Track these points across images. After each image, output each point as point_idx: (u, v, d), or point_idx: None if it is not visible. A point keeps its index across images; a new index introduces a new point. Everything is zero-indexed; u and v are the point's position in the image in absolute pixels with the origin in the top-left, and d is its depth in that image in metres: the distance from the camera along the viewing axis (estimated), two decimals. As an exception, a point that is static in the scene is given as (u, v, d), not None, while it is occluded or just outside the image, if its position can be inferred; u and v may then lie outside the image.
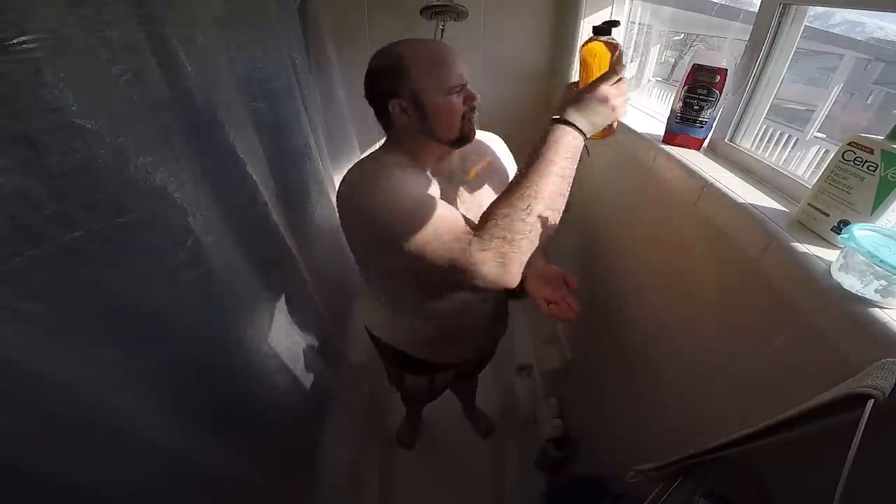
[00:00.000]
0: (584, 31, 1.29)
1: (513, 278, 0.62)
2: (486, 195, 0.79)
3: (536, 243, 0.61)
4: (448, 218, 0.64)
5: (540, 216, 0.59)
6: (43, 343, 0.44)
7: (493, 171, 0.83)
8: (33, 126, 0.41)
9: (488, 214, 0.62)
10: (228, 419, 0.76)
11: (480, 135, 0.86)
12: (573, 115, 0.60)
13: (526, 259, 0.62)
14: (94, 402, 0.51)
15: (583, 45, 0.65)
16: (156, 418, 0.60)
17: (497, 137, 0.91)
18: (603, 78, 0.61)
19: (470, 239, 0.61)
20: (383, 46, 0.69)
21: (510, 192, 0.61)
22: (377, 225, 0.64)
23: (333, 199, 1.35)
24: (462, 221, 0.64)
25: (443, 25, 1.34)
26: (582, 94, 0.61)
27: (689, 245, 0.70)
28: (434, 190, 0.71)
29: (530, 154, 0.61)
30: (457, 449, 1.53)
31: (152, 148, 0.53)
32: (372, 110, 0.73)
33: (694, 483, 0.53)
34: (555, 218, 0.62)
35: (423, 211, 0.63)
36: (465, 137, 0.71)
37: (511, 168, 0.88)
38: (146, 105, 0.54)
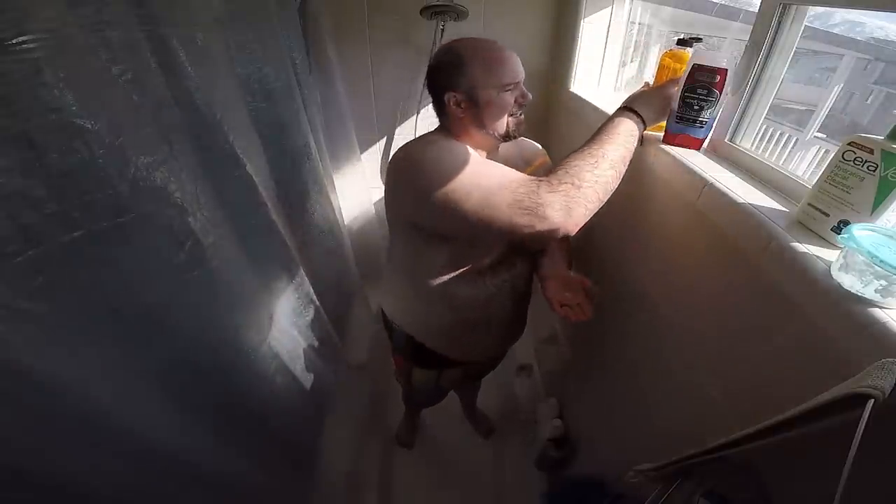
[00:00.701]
0: (584, 31, 1.29)
1: (575, 225, 0.64)
2: None
3: (601, 198, 0.65)
4: (512, 171, 0.69)
5: (605, 172, 0.65)
6: (43, 343, 0.44)
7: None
8: (33, 126, 0.41)
9: (557, 166, 0.66)
10: (228, 419, 0.76)
11: (526, 142, 0.91)
12: (638, 105, 0.72)
13: (591, 209, 0.65)
14: (94, 401, 0.50)
15: (667, 51, 0.80)
16: (155, 418, 0.60)
17: (541, 148, 0.94)
18: (672, 82, 0.74)
19: (539, 182, 0.64)
20: (445, 43, 0.75)
21: (579, 151, 0.67)
22: (445, 177, 0.65)
23: (333, 199, 1.35)
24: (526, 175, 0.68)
25: (443, 25, 1.34)
26: (652, 91, 0.74)
27: (688, 245, 0.70)
28: None
29: (598, 130, 0.70)
30: (457, 449, 1.53)
31: (152, 148, 0.53)
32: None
33: (694, 483, 0.54)
34: (616, 179, 0.67)
35: (489, 164, 0.70)
36: (509, 133, 0.77)
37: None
38: (146, 105, 0.54)
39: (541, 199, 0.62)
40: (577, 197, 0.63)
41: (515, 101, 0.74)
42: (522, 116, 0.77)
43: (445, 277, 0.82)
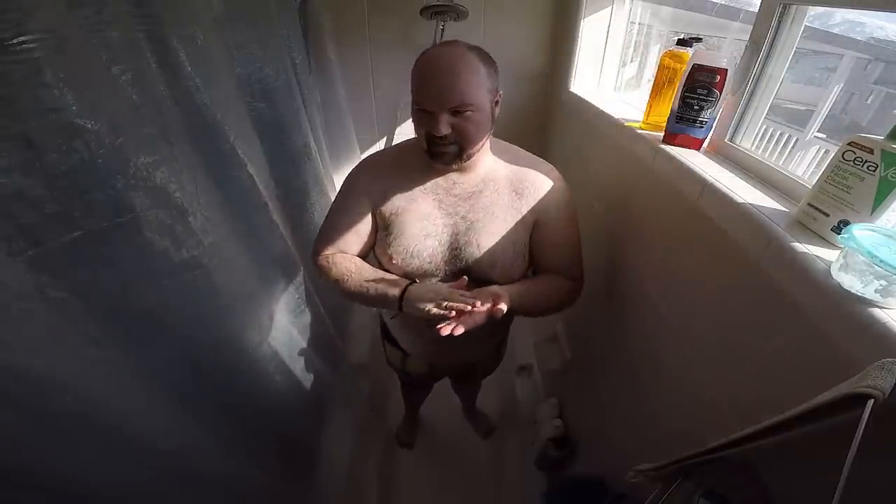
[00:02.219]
0: (584, 31, 1.29)
1: (323, 278, 0.84)
2: (467, 218, 0.77)
3: (342, 286, 0.81)
4: (342, 221, 0.82)
5: (348, 288, 0.80)
6: (43, 343, 0.44)
7: (482, 208, 0.77)
8: (33, 126, 0.41)
9: (347, 257, 0.84)
10: (228, 419, 0.76)
11: (532, 180, 0.79)
12: (407, 298, 0.74)
13: (333, 284, 0.82)
14: (95, 402, 0.50)
15: (667, 51, 0.82)
16: (155, 418, 0.60)
17: (545, 183, 0.79)
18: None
19: (321, 248, 0.84)
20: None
21: (367, 269, 0.82)
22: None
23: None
24: (344, 235, 0.83)
25: (443, 25, 1.34)
26: (421, 292, 0.74)
27: (688, 245, 0.70)
28: (381, 192, 0.79)
29: (381, 277, 0.79)
30: (457, 449, 1.53)
31: (152, 148, 0.53)
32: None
33: (694, 483, 0.54)
34: (347, 295, 0.81)
35: (339, 207, 0.84)
36: (431, 156, 0.72)
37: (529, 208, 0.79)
38: (146, 105, 0.54)
39: (315, 250, 0.85)
40: (327, 272, 0.83)
41: (422, 126, 0.69)
42: (451, 149, 0.69)
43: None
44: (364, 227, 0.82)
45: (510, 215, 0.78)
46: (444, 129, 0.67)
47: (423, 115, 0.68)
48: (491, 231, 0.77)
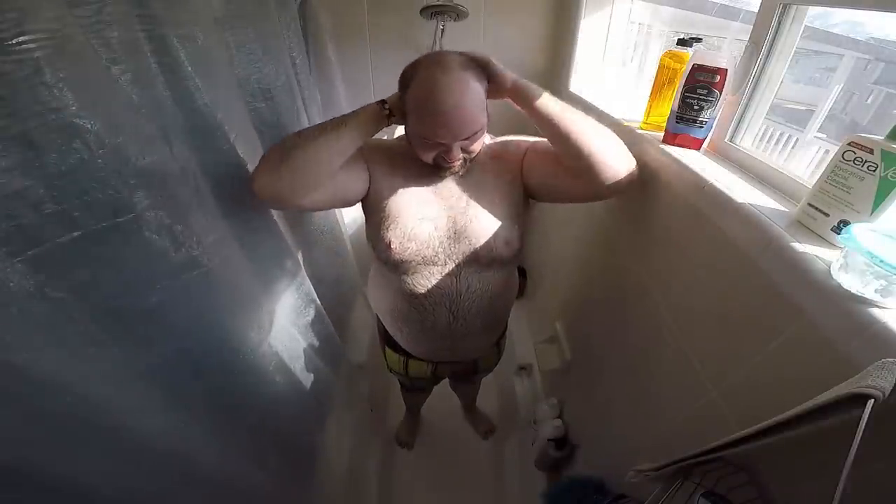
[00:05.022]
0: (584, 31, 1.29)
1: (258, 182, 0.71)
2: (467, 202, 0.81)
3: (291, 162, 0.70)
4: None
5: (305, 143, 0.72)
6: (43, 343, 0.44)
7: (474, 185, 0.82)
8: (33, 126, 0.41)
9: None
10: (228, 419, 0.76)
11: (493, 142, 0.86)
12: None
13: (272, 168, 0.70)
14: (94, 401, 0.50)
15: (667, 51, 0.84)
16: (155, 418, 0.60)
17: (513, 137, 0.88)
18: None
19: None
20: (422, 55, 0.71)
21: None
22: None
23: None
24: None
25: (443, 25, 1.34)
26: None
27: (688, 245, 0.70)
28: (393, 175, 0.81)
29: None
30: (457, 449, 1.53)
31: (152, 148, 0.53)
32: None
33: (694, 483, 0.54)
34: (311, 151, 0.72)
35: None
36: (440, 170, 0.76)
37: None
38: (146, 105, 0.54)
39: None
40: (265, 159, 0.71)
41: (436, 157, 0.73)
42: (460, 162, 0.74)
43: (373, 267, 0.92)
44: (353, 170, 0.78)
45: (499, 179, 0.82)
46: (458, 156, 0.71)
47: (432, 144, 0.70)
48: (488, 203, 0.81)
